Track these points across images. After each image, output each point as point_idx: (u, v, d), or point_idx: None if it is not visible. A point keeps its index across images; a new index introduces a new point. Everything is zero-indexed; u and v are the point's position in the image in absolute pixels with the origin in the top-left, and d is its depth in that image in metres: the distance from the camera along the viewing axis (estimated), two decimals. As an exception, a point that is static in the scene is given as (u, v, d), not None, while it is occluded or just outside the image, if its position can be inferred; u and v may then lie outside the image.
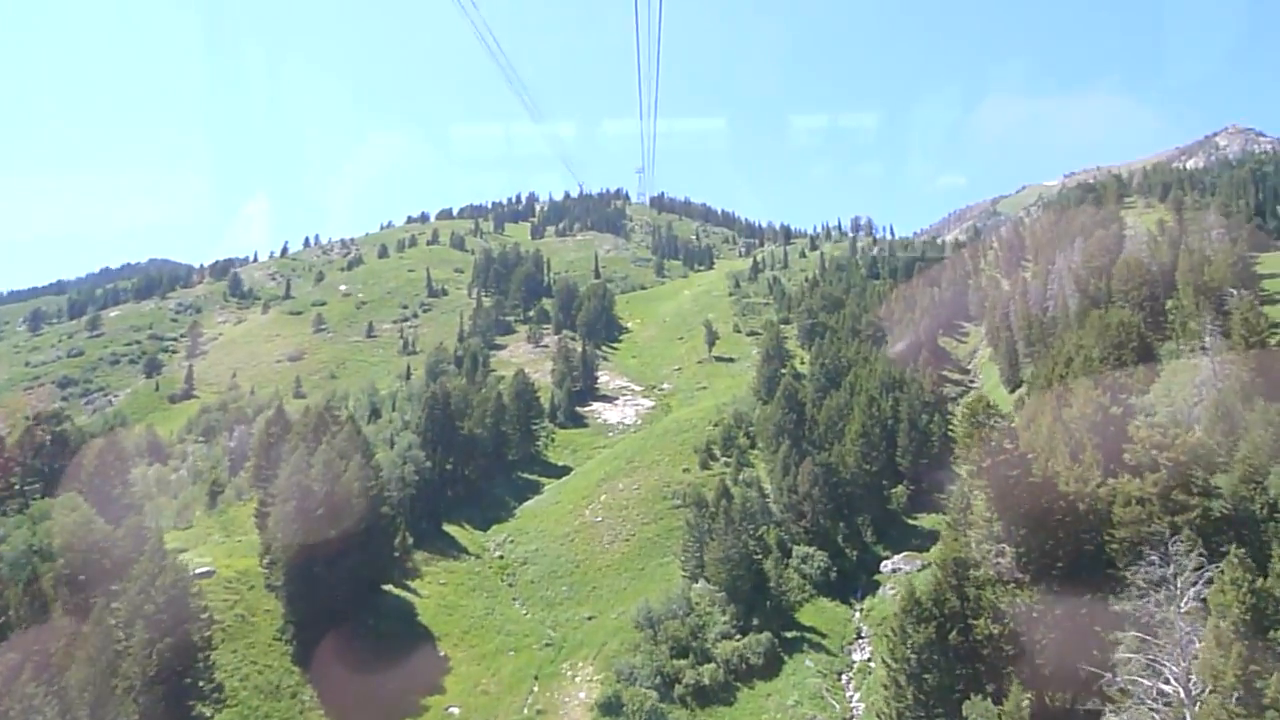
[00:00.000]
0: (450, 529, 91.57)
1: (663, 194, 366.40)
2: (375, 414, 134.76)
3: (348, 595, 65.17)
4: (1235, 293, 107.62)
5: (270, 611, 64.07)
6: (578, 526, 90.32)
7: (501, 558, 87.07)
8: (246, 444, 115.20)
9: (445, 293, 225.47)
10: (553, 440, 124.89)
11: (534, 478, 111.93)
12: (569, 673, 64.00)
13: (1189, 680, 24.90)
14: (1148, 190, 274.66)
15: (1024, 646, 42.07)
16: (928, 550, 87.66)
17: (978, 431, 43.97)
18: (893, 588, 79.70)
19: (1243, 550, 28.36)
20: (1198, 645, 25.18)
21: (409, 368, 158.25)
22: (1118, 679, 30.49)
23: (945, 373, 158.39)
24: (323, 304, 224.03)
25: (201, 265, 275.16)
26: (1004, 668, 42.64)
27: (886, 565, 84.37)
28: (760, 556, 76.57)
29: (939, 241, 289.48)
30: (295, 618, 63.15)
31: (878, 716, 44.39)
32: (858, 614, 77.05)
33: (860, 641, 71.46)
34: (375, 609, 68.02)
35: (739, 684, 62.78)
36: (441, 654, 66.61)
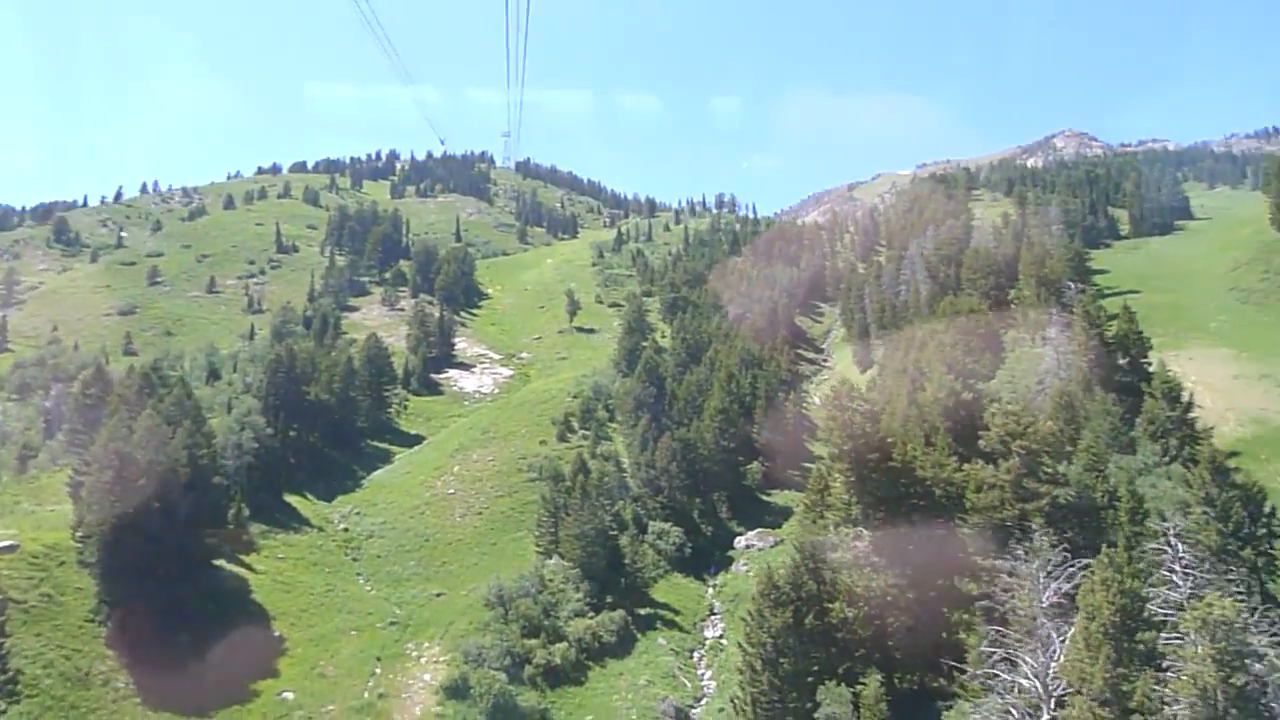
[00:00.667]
0: (292, 500, 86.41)
1: (529, 159, 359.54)
2: (214, 375, 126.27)
3: (171, 572, 60.03)
4: (1072, 286, 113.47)
5: (82, 590, 58.30)
6: (429, 499, 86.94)
7: (346, 531, 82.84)
8: (64, 404, 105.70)
9: (296, 250, 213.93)
10: (406, 408, 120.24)
11: (384, 447, 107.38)
12: (414, 654, 61.10)
13: (1048, 676, 24.92)
14: (993, 184, 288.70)
15: (877, 630, 42.35)
16: (781, 527, 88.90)
17: (840, 415, 43.87)
18: (746, 564, 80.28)
19: (1114, 550, 28.72)
20: (1058, 642, 25.20)
21: (253, 327, 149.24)
22: (976, 671, 30.61)
23: (801, 351, 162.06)
24: (159, 255, 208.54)
25: (23, 208, 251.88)
26: (857, 651, 42.87)
27: (740, 542, 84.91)
28: (616, 533, 75.47)
29: (799, 222, 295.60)
30: (110, 597, 57.67)
31: (733, 702, 43.99)
32: (711, 590, 77.12)
33: (713, 618, 71.48)
34: (203, 587, 63.03)
35: (591, 663, 61.55)
36: (276, 635, 62.41)
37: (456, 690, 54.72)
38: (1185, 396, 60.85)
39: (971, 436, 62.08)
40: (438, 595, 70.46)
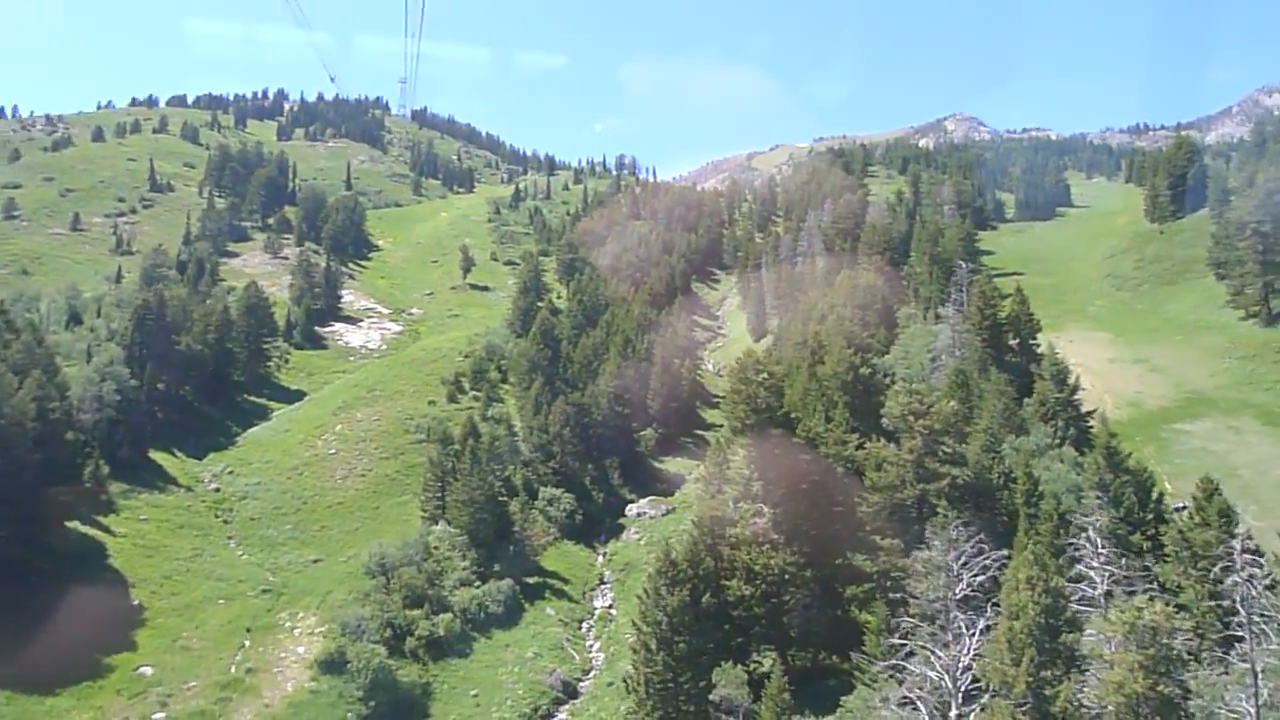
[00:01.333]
0: (158, 457, 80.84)
1: (426, 109, 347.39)
2: (75, 320, 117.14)
3: (17, 535, 55.01)
4: (964, 265, 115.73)
5: (-89, 552, 52.87)
6: (308, 459, 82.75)
7: (218, 491, 78.07)
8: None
9: (171, 189, 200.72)
10: (287, 362, 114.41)
11: (262, 402, 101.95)
12: (288, 624, 57.72)
13: (958, 671, 24.25)
14: (889, 162, 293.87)
15: (774, 608, 41.62)
16: (673, 495, 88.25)
17: (744, 389, 42.59)
18: (637, 532, 79.31)
19: (1039, 547, 28.24)
20: (968, 637, 24.51)
21: (120, 270, 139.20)
22: (880, 661, 29.97)
23: (697, 318, 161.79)
24: (17, 187, 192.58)
25: None
26: (752, 628, 42.09)
27: (632, 509, 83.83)
28: (506, 499, 73.17)
29: (699, 188, 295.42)
30: (-55, 561, 52.47)
31: (625, 681, 42.72)
32: (601, 559, 75.90)
33: (603, 588, 70.27)
34: (53, 550, 58.02)
35: (477, 634, 59.43)
36: (134, 603, 57.97)
37: (332, 664, 51.86)
38: (1071, 379, 62.19)
39: (869, 411, 62.29)
40: (315, 562, 67.00)
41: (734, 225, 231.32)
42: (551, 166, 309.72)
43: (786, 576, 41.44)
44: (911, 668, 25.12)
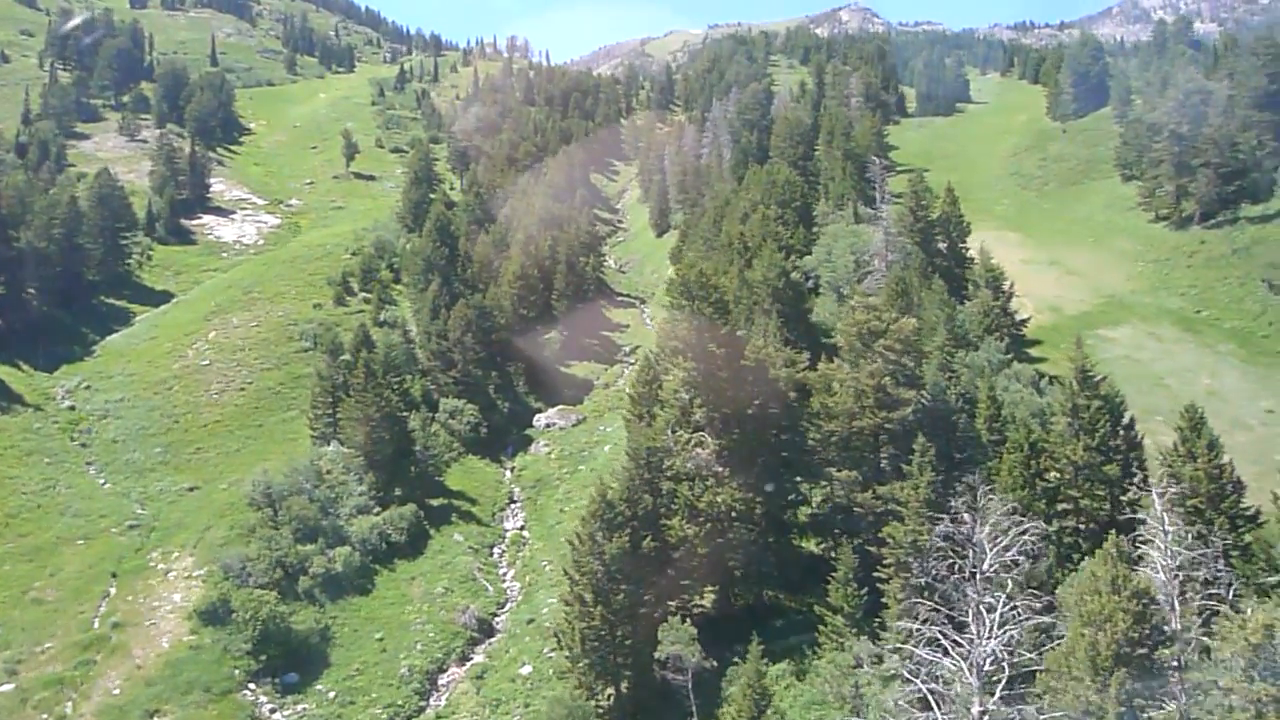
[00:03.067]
0: (0, 372, 71.49)
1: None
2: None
3: None
4: (877, 160, 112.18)
5: None
6: (178, 371, 74.39)
7: (73, 410, 69.50)
8: None
9: (6, 60, 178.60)
10: (149, 259, 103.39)
11: (122, 305, 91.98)
12: (160, 567, 51.10)
13: (983, 661, 20.65)
14: (790, 52, 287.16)
15: (718, 547, 37.80)
16: (582, 403, 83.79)
17: (690, 304, 37.60)
18: (547, 445, 74.82)
19: (1120, 536, 24.32)
20: (993, 621, 20.66)
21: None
22: (892, 645, 26.32)
23: (597, 211, 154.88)
24: None
25: None
26: (694, 571, 38.23)
27: (540, 420, 79.11)
28: (404, 413, 66.99)
29: (595, 74, 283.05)
30: None
31: (557, 638, 38.51)
32: (509, 474, 71.21)
33: (513, 507, 65.73)
34: None
35: (379, 567, 54.17)
36: (-26, 546, 50.50)
37: (214, 614, 45.87)
38: (1006, 285, 59.48)
39: (799, 320, 58.51)
40: (190, 490, 59.89)
41: (632, 114, 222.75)
42: (438, 47, 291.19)
43: (734, 514, 37.60)
44: (919, 653, 21.50)
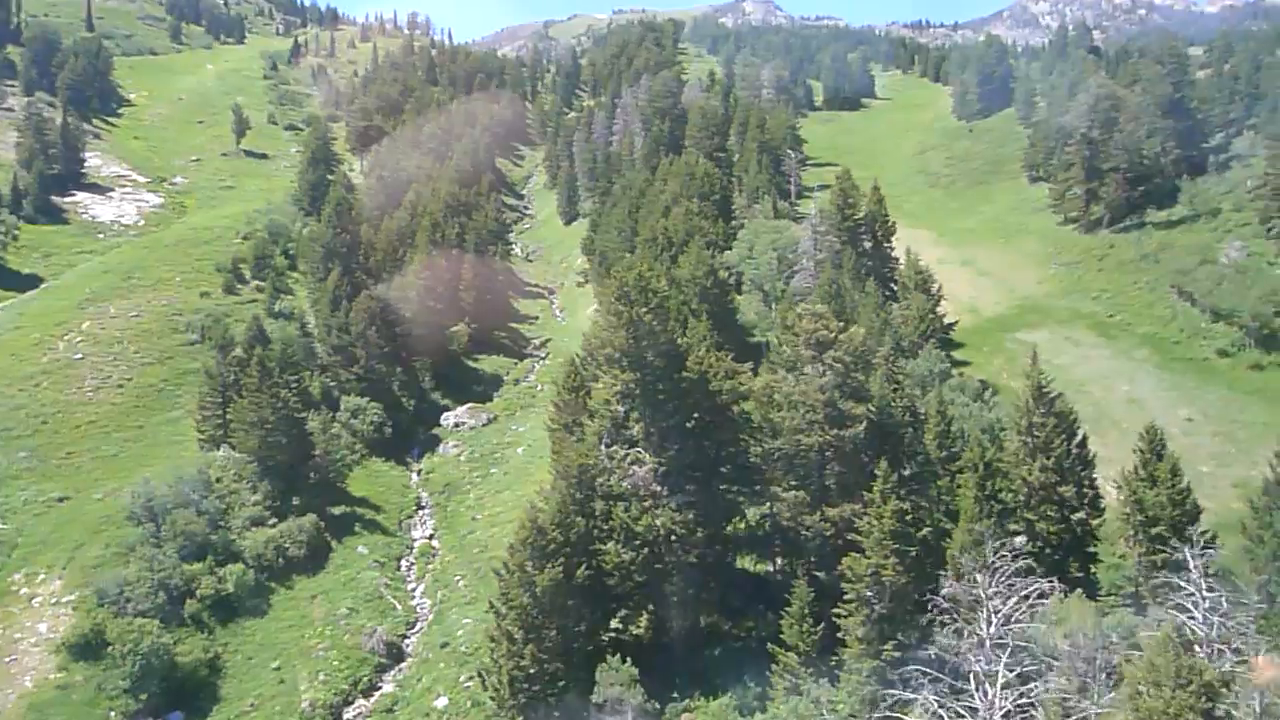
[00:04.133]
0: None
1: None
2: None
3: None
4: (792, 154, 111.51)
5: None
6: (47, 365, 67.48)
7: (-78, 407, 62.19)
8: None
9: None
10: (15, 239, 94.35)
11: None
12: (24, 592, 45.45)
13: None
14: (697, 40, 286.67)
15: (656, 573, 35.20)
16: (491, 400, 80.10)
17: (626, 310, 34.49)
18: (456, 445, 71.02)
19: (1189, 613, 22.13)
20: (999, 691, 18.53)
21: None
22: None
23: (503, 197, 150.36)
24: None
25: None
26: (631, 598, 35.50)
27: (448, 418, 75.16)
28: (302, 413, 62.17)
29: (499, 54, 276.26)
30: None
31: (480, 677, 35.03)
32: (416, 478, 67.20)
33: (421, 514, 61.85)
34: None
35: (275, 585, 49.67)
36: None
37: (87, 647, 40.84)
38: (935, 288, 58.55)
39: (726, 322, 56.27)
40: (60, 501, 53.77)
41: (538, 97, 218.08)
42: (335, 20, 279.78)
43: (673, 538, 35.01)
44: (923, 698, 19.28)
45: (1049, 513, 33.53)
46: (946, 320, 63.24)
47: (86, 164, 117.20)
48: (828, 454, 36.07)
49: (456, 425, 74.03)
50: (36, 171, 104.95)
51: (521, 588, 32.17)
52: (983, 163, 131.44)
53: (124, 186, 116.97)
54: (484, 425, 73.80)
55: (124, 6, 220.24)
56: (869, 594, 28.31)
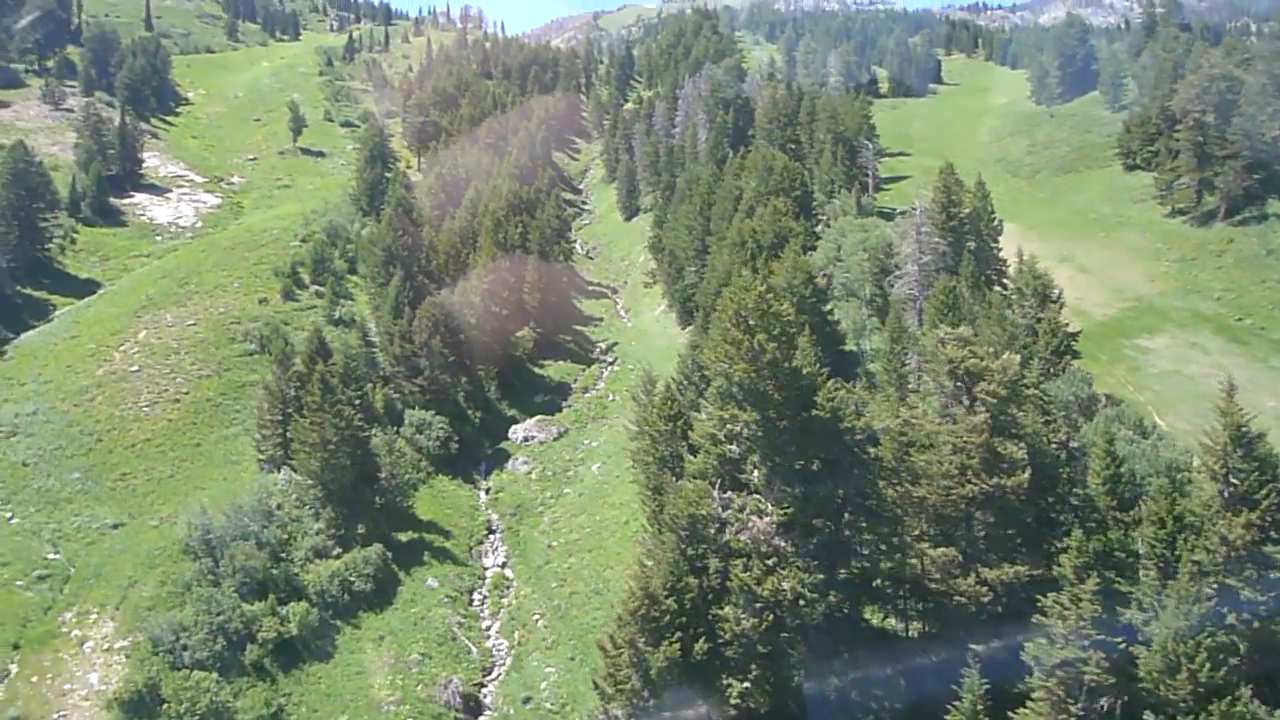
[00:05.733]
0: (-112, 376, 61.44)
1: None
2: None
3: None
4: (869, 145, 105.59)
5: None
6: (102, 378, 64.82)
7: (-25, 423, 59.71)
8: None
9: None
10: (73, 242, 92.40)
11: (40, 296, 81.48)
12: (74, 634, 42.26)
13: None
14: (754, 28, 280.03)
15: (779, 640, 30.51)
16: (560, 411, 76.03)
17: (744, 340, 29.26)
18: (526, 462, 66.91)
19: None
20: None
21: None
22: None
23: (560, 192, 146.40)
24: None
25: None
26: (750, 667, 30.67)
27: (517, 432, 71.10)
28: (366, 430, 58.46)
29: (553, 45, 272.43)
30: None
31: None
32: (484, 497, 63.25)
33: (492, 539, 57.79)
34: None
35: (339, 623, 45.97)
36: None
37: (140, 704, 37.26)
38: (1055, 295, 52.85)
39: (826, 337, 51.25)
40: (114, 528, 50.81)
41: (592, 89, 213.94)
42: (388, 15, 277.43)
43: (801, 602, 30.25)
44: None
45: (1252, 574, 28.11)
46: (1075, 330, 57.40)
47: (144, 164, 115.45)
48: (971, 505, 30.99)
49: (525, 439, 69.97)
50: (94, 173, 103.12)
51: (633, 668, 27.78)
52: (1068, 150, 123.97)
53: (181, 187, 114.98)
54: (554, 439, 69.65)
55: (181, 5, 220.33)
56: (1060, 693, 23.41)
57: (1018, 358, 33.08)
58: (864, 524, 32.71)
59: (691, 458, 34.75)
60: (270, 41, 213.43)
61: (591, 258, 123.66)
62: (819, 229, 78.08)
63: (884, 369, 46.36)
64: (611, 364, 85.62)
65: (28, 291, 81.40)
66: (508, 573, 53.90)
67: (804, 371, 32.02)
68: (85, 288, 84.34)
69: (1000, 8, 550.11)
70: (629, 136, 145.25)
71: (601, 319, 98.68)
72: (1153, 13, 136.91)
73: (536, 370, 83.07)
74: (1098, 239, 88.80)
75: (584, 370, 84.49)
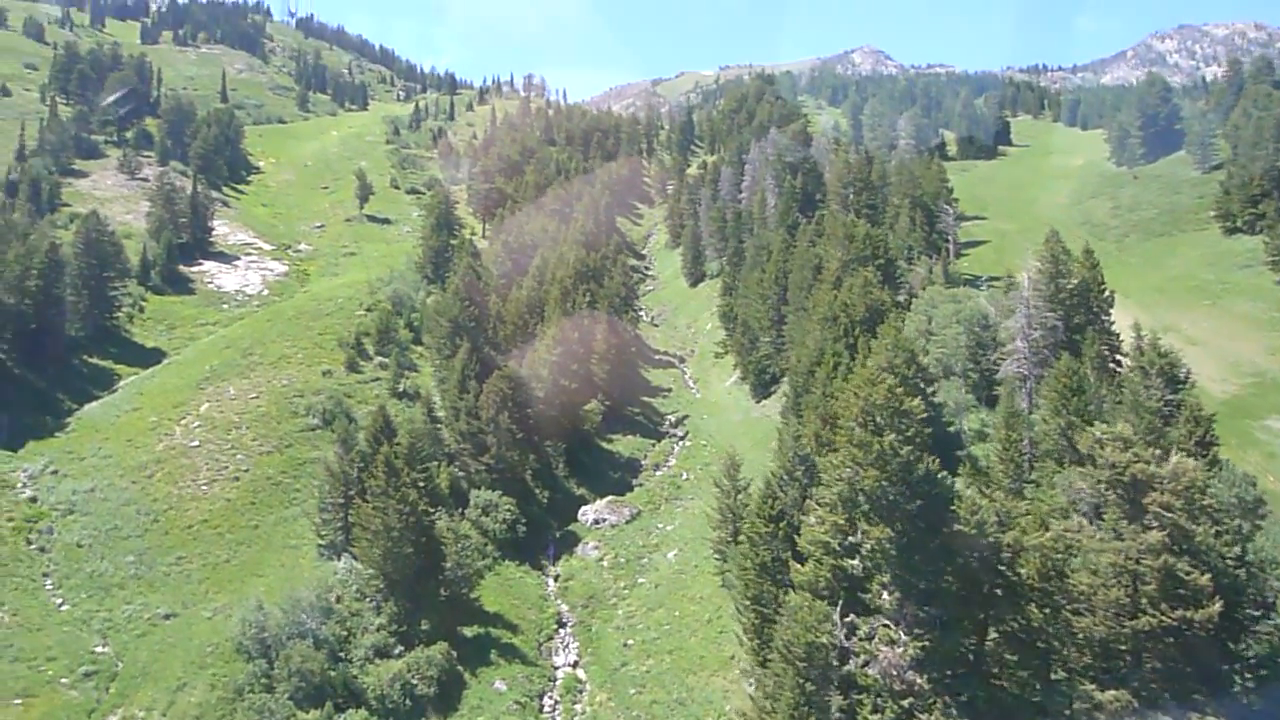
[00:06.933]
0: (-47, 450, 60.06)
1: (312, 16, 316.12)
2: None
3: None
4: (949, 209, 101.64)
5: None
6: (162, 453, 62.83)
7: (34, 501, 57.87)
8: None
9: (7, 93, 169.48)
10: (141, 310, 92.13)
11: (107, 365, 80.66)
12: (118, 746, 39.32)
13: None
14: (816, 91, 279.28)
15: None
16: (631, 490, 72.12)
17: (878, 439, 25.39)
18: (596, 546, 62.94)
19: None
20: None
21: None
22: None
23: (624, 258, 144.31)
24: None
25: None
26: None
27: (587, 514, 67.32)
28: (432, 513, 55.17)
29: (614, 111, 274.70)
30: None
31: None
32: (553, 585, 59.32)
33: (562, 634, 53.69)
34: None
35: (401, 733, 42.20)
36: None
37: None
38: (1182, 374, 47.80)
39: (930, 420, 46.70)
40: (166, 618, 48.01)
41: (652, 155, 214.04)
42: (453, 85, 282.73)
43: (944, 753, 25.74)
44: None
45: None
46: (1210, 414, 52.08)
47: (214, 232, 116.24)
48: (1154, 637, 26.31)
49: (596, 522, 66.14)
50: (165, 241, 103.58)
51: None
52: (1157, 212, 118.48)
53: (249, 254, 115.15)
54: (626, 522, 65.70)
55: (255, 77, 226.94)
56: None
57: (1191, 461, 28.61)
58: (1012, 656, 28.15)
59: (799, 566, 30.59)
60: (339, 111, 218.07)
61: (656, 325, 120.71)
62: (900, 298, 73.92)
63: (999, 460, 41.87)
64: (682, 438, 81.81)
65: (94, 361, 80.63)
66: (580, 674, 49.69)
67: (939, 477, 27.89)
68: (151, 357, 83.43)
69: (1060, 69, 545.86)
70: (694, 202, 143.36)
71: (670, 390, 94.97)
72: (1239, 71, 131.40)
73: (605, 445, 79.48)
74: (1203, 308, 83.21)
75: (654, 445, 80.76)
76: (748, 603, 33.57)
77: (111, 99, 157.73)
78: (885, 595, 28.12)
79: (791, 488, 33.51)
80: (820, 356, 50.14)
